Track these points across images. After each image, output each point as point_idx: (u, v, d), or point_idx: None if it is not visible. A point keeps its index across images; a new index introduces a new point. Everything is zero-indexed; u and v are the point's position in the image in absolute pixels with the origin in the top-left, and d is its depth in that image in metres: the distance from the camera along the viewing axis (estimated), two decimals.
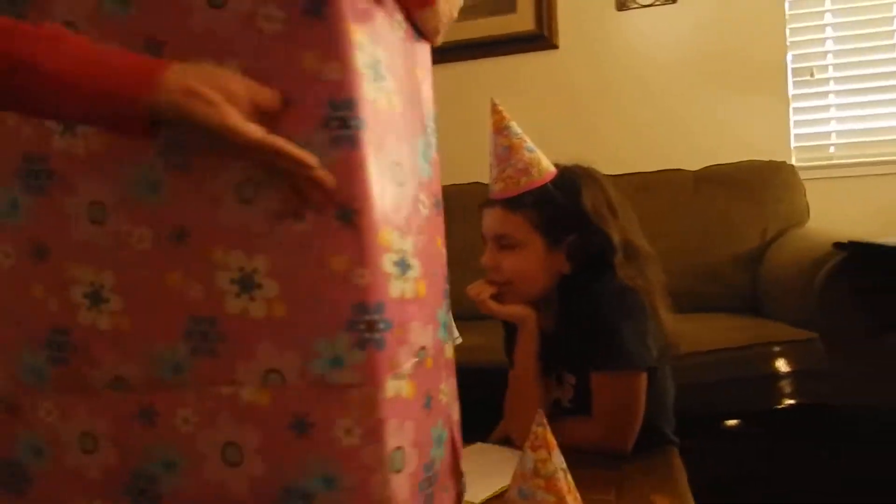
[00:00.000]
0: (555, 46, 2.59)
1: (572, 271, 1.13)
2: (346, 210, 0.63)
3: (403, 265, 0.68)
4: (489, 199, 1.15)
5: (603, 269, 1.12)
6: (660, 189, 2.26)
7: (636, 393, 1.10)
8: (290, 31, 0.64)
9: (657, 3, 2.50)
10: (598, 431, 1.11)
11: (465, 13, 2.07)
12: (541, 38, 2.59)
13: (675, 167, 2.32)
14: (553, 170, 1.13)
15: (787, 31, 2.37)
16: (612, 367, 1.09)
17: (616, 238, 1.12)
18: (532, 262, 1.13)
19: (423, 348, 0.72)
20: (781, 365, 1.63)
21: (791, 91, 2.38)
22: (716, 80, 2.44)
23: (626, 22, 2.54)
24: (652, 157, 2.40)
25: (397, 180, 0.69)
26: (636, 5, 2.52)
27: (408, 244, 0.69)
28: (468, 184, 2.26)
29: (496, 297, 1.16)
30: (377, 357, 0.64)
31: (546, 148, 1.16)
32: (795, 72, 2.38)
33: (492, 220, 1.15)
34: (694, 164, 2.31)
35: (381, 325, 0.64)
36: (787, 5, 2.37)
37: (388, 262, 0.65)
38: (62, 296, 0.75)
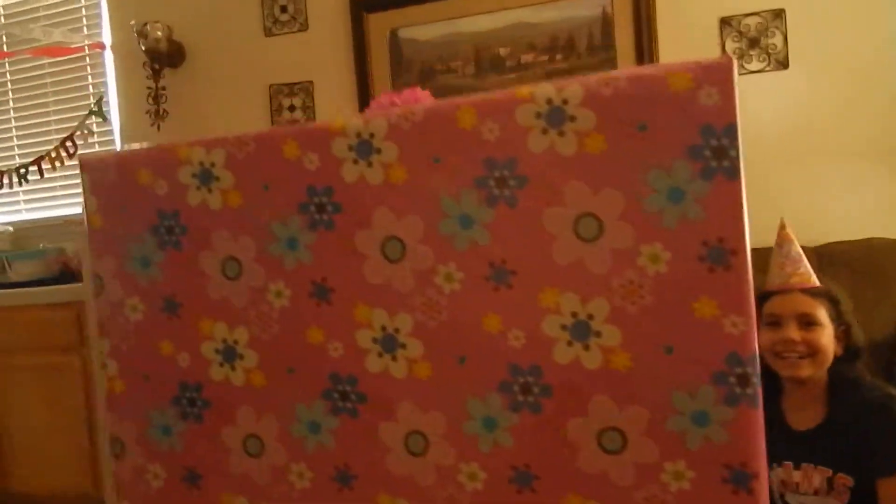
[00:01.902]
0: None
1: (841, 356, 1.44)
2: (719, 250, 0.60)
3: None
4: (784, 287, 1.46)
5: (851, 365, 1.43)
6: None
7: None
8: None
9: (767, 68, 2.44)
10: None
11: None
12: None
13: None
14: None
15: None
16: None
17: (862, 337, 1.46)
18: (828, 340, 1.42)
19: None
20: None
21: None
22: (833, 151, 2.37)
23: None
24: (764, 232, 2.32)
25: None
26: (744, 71, 2.46)
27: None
28: None
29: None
30: (750, 416, 0.59)
31: None
32: None
33: (798, 302, 1.44)
34: (812, 240, 2.24)
35: (755, 380, 0.59)
36: None
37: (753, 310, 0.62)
38: None
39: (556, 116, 0.70)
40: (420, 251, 0.76)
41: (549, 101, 0.70)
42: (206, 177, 0.85)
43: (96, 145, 3.09)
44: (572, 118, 0.69)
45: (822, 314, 1.42)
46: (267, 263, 0.83)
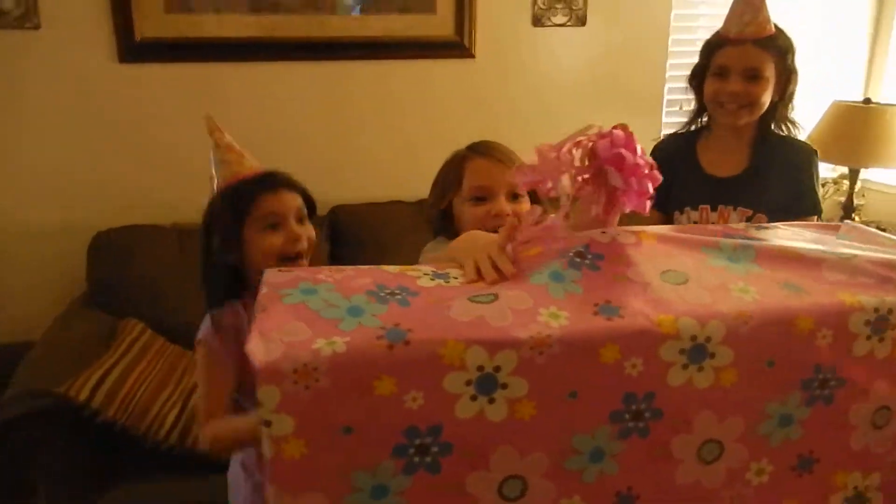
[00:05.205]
0: (472, 56, 2.50)
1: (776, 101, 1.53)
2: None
3: None
4: (738, 38, 1.47)
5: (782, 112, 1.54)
6: None
7: None
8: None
9: (568, 23, 2.57)
10: None
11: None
12: (459, 46, 2.47)
13: None
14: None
15: (668, 66, 2.70)
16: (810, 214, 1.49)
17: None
18: (769, 93, 1.49)
19: None
20: None
21: (664, 119, 2.75)
22: (604, 102, 2.66)
23: (540, 38, 2.57)
24: None
25: None
26: (550, 23, 2.56)
27: None
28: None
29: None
30: None
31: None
32: (669, 103, 2.74)
33: (748, 56, 1.46)
34: None
35: None
36: (670, 41, 2.68)
37: None
38: None
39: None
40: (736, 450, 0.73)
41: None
42: (487, 385, 0.64)
43: None
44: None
45: (770, 68, 1.46)
46: (560, 479, 0.69)
